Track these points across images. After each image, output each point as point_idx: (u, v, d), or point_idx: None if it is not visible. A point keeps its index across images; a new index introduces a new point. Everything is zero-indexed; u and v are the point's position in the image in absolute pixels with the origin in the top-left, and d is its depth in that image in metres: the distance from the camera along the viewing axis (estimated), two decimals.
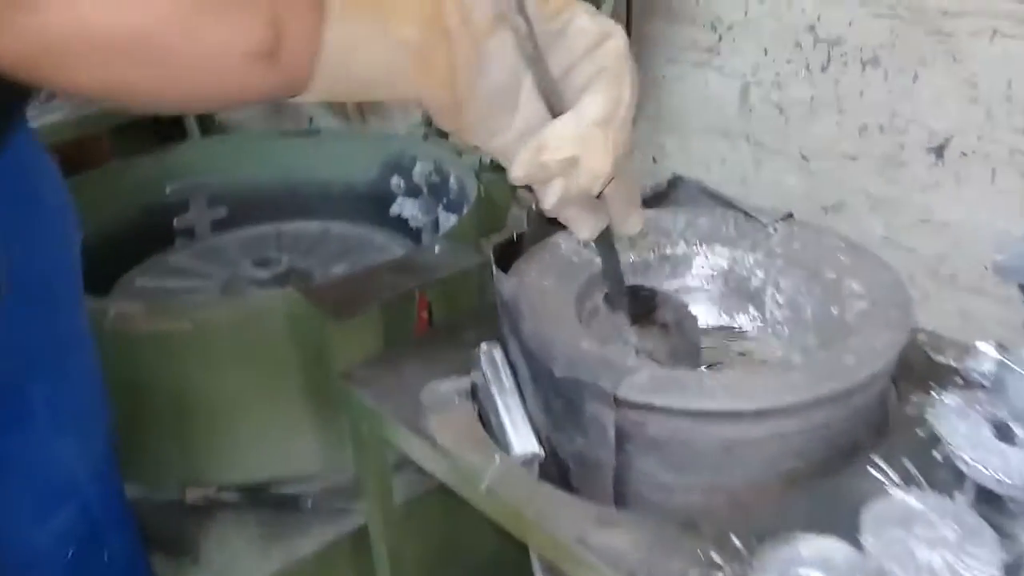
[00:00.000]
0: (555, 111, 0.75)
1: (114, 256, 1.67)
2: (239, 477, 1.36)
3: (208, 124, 2.30)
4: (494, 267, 1.00)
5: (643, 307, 1.02)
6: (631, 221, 0.86)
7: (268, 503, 1.35)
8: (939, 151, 1.24)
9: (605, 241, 0.91)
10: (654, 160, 1.63)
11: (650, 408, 0.84)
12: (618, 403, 0.84)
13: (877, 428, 0.95)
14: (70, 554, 1.07)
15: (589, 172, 0.74)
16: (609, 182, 0.77)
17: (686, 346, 1.01)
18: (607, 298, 1.03)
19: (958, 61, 1.18)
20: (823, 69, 1.32)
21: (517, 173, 0.75)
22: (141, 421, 1.35)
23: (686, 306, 1.03)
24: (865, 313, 0.94)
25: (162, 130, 2.36)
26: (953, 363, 1.01)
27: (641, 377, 0.86)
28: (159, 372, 1.30)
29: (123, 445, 1.35)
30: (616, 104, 0.74)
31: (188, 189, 1.78)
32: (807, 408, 0.83)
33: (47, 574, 1.07)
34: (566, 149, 0.74)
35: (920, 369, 1.01)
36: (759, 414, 0.83)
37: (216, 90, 0.64)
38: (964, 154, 1.21)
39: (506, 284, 0.96)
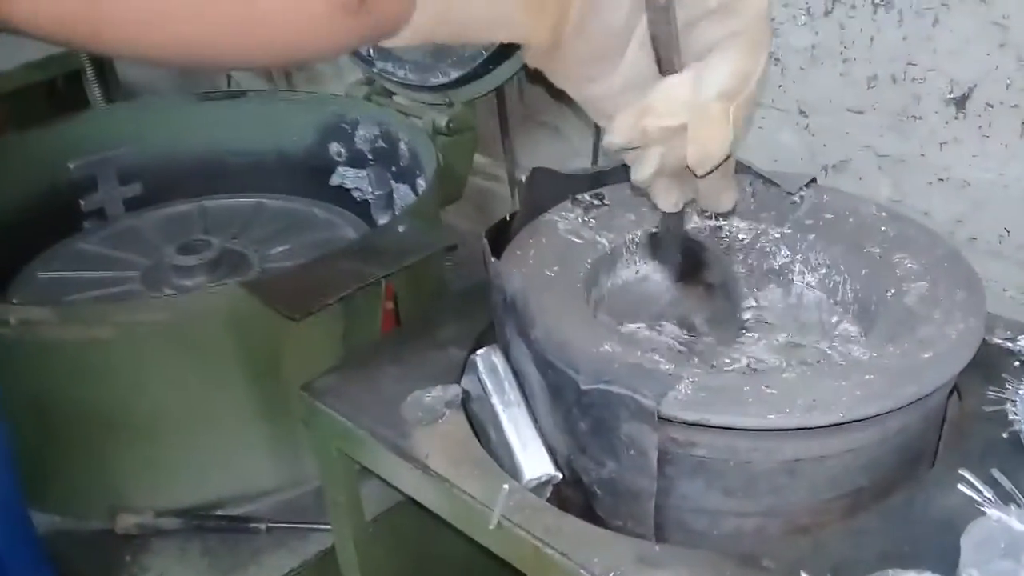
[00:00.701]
0: (666, 67, 0.64)
1: (11, 245, 1.44)
2: (179, 500, 1.18)
3: (113, 89, 2.05)
4: (490, 258, 0.83)
5: (688, 263, 0.90)
6: (724, 198, 0.76)
7: (215, 528, 1.17)
8: (960, 103, 1.12)
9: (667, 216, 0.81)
10: None
11: (702, 426, 0.70)
12: (662, 421, 0.70)
13: (939, 429, 0.83)
14: None
15: (701, 150, 0.64)
16: (721, 164, 0.66)
17: (727, 312, 0.89)
18: (654, 247, 0.92)
19: (985, 1, 1.05)
20: (827, 13, 1.18)
21: (616, 139, 0.66)
22: (56, 442, 1.15)
23: (734, 269, 0.92)
24: (928, 296, 0.81)
25: (60, 97, 2.09)
26: (1009, 344, 0.89)
27: (686, 388, 0.71)
28: (75, 386, 1.11)
29: (35, 469, 1.15)
30: (746, 77, 0.64)
31: (95, 164, 1.54)
32: (888, 416, 0.70)
33: None
34: (677, 116, 0.64)
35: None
36: (835, 427, 0.69)
37: (302, 42, 0.57)
38: (990, 105, 1.09)
39: (508, 279, 0.80)
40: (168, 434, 1.14)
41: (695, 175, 0.69)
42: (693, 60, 0.65)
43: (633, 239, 0.94)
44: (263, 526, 1.16)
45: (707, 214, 0.94)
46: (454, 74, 1.39)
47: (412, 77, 1.46)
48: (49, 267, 1.44)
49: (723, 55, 0.64)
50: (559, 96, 0.84)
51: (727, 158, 0.71)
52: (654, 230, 0.92)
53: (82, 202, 1.54)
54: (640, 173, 0.70)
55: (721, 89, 0.64)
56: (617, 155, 0.72)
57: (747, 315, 0.91)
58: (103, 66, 1.99)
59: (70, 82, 2.05)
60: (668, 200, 0.76)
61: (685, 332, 0.88)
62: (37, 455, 1.15)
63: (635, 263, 0.95)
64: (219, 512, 1.18)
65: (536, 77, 0.72)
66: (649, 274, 0.94)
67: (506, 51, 1.33)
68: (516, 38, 0.64)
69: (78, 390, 1.11)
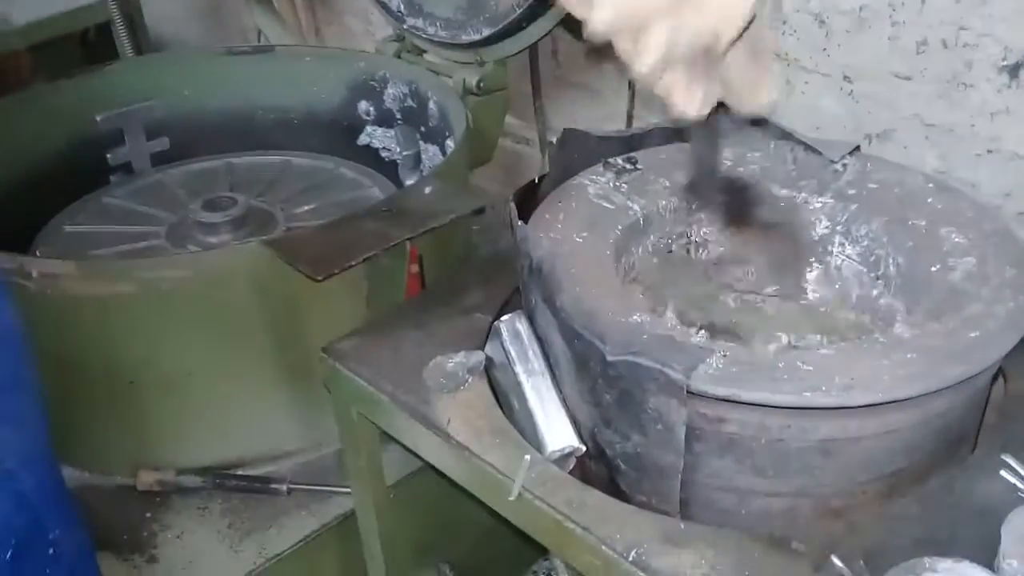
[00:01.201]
0: None
1: (38, 197, 1.43)
2: (200, 458, 1.17)
3: (142, 41, 2.03)
4: (516, 222, 0.81)
5: (737, 205, 0.81)
6: (760, 89, 0.62)
7: (236, 488, 1.16)
8: (1014, 70, 1.06)
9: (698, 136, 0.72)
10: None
11: (733, 402, 0.67)
12: (690, 395, 0.67)
13: (982, 412, 0.79)
14: (9, 554, 0.89)
15: (718, 10, 0.52)
16: (740, 37, 0.54)
17: (792, 253, 0.82)
18: (693, 189, 0.83)
19: None
20: None
21: (601, 15, 0.52)
22: (80, 398, 1.15)
23: (790, 205, 0.84)
24: (976, 273, 0.77)
25: (92, 48, 2.08)
26: None
27: (717, 362, 0.68)
28: (99, 341, 1.10)
29: (59, 425, 1.14)
30: None
31: (122, 117, 1.52)
32: (930, 397, 0.67)
33: None
34: None
35: None
36: (874, 407, 0.66)
37: None
38: None
39: (535, 244, 0.77)
40: (190, 392, 1.13)
41: (717, 55, 0.56)
42: None
43: (668, 206, 0.91)
44: (284, 487, 1.15)
45: None
46: (486, 31, 1.35)
47: (443, 34, 1.43)
48: (75, 221, 1.43)
49: None
50: (596, 54, 0.76)
51: (756, 37, 0.59)
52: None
53: (109, 155, 1.52)
54: (643, 62, 0.55)
55: None
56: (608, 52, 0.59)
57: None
58: (132, 18, 1.97)
59: (102, 33, 2.03)
60: (691, 100, 0.60)
61: (741, 286, 0.82)
62: (60, 410, 1.13)
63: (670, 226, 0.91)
64: (240, 472, 1.17)
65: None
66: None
67: (540, 9, 1.29)
68: None
69: (100, 345, 1.10)
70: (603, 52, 0.63)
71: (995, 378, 0.79)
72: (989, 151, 1.12)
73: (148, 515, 1.14)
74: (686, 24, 0.54)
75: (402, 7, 1.45)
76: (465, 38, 1.39)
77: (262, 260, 1.02)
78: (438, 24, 1.43)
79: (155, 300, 1.06)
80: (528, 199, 0.90)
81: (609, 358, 0.69)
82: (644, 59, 0.55)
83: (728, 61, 0.60)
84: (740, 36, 0.55)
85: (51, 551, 0.94)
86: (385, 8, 1.46)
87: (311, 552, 1.11)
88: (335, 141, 1.58)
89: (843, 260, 0.90)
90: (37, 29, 1.88)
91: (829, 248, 0.91)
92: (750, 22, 0.54)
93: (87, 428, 1.17)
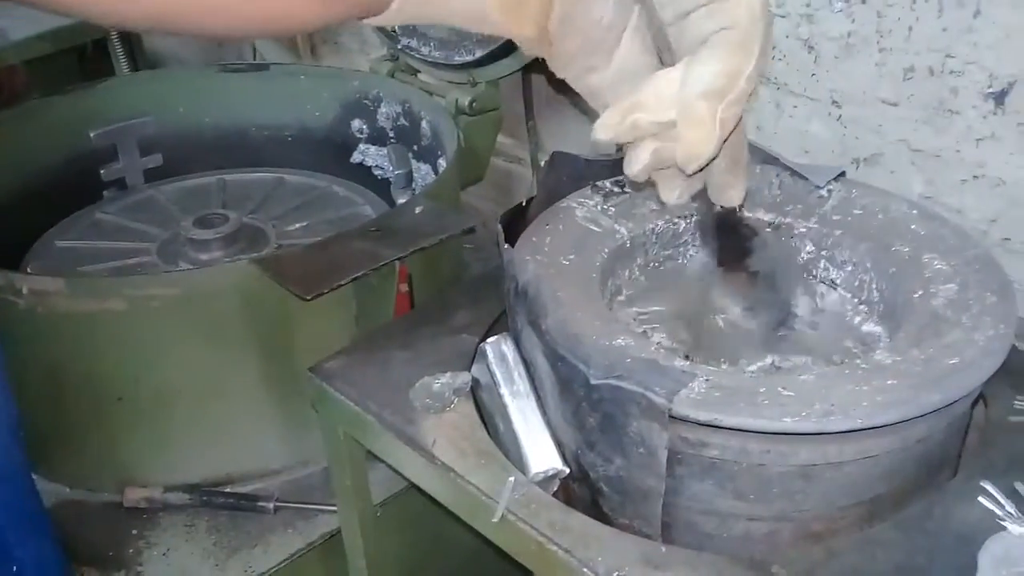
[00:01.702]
0: (663, 58, 0.64)
1: (30, 212, 1.43)
2: (188, 476, 1.17)
3: (139, 58, 2.04)
4: (504, 244, 0.81)
5: (735, 247, 0.88)
6: (731, 193, 0.74)
7: (223, 505, 1.16)
8: (999, 97, 1.07)
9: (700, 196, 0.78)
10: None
11: (714, 427, 0.67)
12: (672, 419, 0.67)
13: (963, 437, 0.80)
14: None
15: (687, 149, 0.63)
16: (709, 163, 0.65)
17: (773, 305, 0.86)
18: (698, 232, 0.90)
19: None
20: (864, 0, 1.14)
21: (602, 135, 0.66)
22: (68, 413, 1.15)
23: (790, 257, 0.89)
24: (957, 299, 0.77)
25: (90, 64, 2.09)
26: None
27: (700, 386, 0.69)
28: (88, 358, 1.10)
29: (46, 440, 1.15)
30: (735, 76, 0.61)
31: (116, 133, 1.53)
32: (909, 424, 0.67)
33: None
34: (664, 112, 0.63)
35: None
36: (852, 433, 0.66)
37: (282, 14, 0.56)
38: None
39: (521, 267, 0.77)
40: (178, 409, 1.13)
41: (685, 173, 0.68)
42: (686, 54, 0.63)
43: (653, 229, 0.92)
44: (271, 505, 1.15)
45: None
46: (479, 52, 1.37)
47: (437, 54, 1.44)
48: (67, 236, 1.44)
49: (712, 52, 0.62)
50: (559, 85, 0.82)
51: (736, 149, 0.69)
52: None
53: (102, 171, 1.53)
54: (632, 168, 0.68)
55: (707, 88, 0.61)
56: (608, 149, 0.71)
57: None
58: (129, 35, 1.98)
59: (99, 49, 2.04)
60: (670, 193, 0.73)
61: (721, 321, 0.85)
62: (47, 426, 1.14)
63: (656, 250, 0.92)
64: (227, 489, 1.17)
65: (538, 66, 0.72)
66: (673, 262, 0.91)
67: None
68: (500, 33, 0.63)
69: (89, 362, 1.10)
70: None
71: (975, 403, 0.79)
72: (975, 176, 1.13)
73: (134, 532, 1.14)
74: (666, 148, 0.65)
75: (396, 27, 1.46)
76: (458, 59, 1.41)
77: (251, 278, 1.03)
78: (432, 44, 1.44)
79: (144, 317, 1.06)
80: (516, 221, 0.91)
81: (592, 381, 0.70)
82: (633, 166, 0.68)
83: (712, 164, 0.69)
84: (714, 158, 0.66)
85: (14, 568, 0.94)
86: (380, 28, 1.48)
87: (296, 570, 1.11)
88: (328, 159, 1.59)
89: (827, 285, 0.91)
90: (33, 44, 1.89)
91: (814, 273, 0.91)
92: (713, 159, 0.65)
93: (74, 444, 1.17)
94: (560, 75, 0.68)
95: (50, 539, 1.01)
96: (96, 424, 1.14)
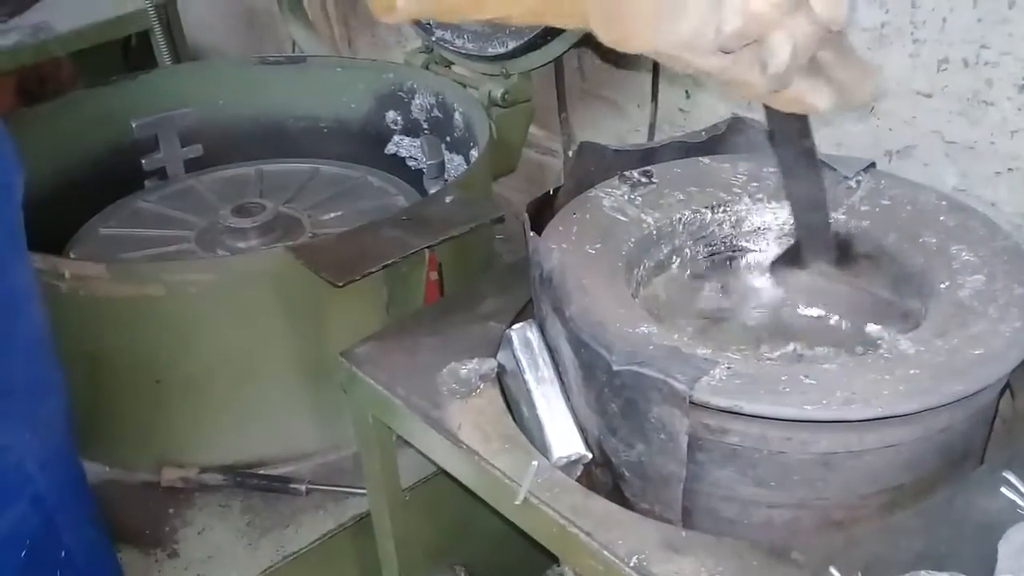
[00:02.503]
0: None
1: (75, 200, 1.47)
2: (223, 457, 1.20)
3: (181, 50, 2.08)
4: (529, 232, 0.82)
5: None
6: (867, 80, 0.72)
7: (256, 487, 1.19)
8: None
9: (804, 151, 0.77)
10: (687, 94, 1.44)
11: (735, 414, 0.68)
12: (693, 406, 0.68)
13: (989, 427, 0.80)
14: (23, 554, 0.92)
15: (824, 5, 0.61)
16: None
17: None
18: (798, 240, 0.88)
19: None
20: None
21: (732, 24, 0.61)
22: (107, 395, 1.18)
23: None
24: (984, 291, 0.77)
25: (135, 55, 2.13)
26: None
27: (721, 373, 0.69)
28: (127, 341, 1.13)
29: (86, 421, 1.18)
30: None
31: (157, 123, 1.57)
32: (931, 413, 0.68)
33: None
34: None
35: None
36: (873, 422, 0.67)
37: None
38: None
39: (547, 255, 0.79)
40: (214, 392, 1.16)
41: (832, 36, 0.64)
42: None
43: (680, 219, 0.92)
44: (303, 487, 1.18)
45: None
46: (512, 44, 1.38)
47: (470, 46, 1.45)
48: (109, 224, 1.47)
49: None
50: (620, 61, 0.80)
51: (847, 44, 0.69)
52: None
53: (144, 161, 1.57)
54: (776, 62, 0.63)
55: None
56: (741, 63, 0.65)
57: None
58: (171, 27, 2.02)
59: (143, 41, 2.08)
60: (821, 97, 0.69)
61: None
62: (87, 407, 1.17)
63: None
64: (261, 471, 1.20)
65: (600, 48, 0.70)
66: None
67: None
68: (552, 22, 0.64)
69: (128, 345, 1.13)
70: (630, 62, 0.69)
71: (1002, 394, 0.79)
72: (1009, 169, 1.11)
73: (171, 511, 1.17)
74: (803, 27, 0.62)
75: (431, 19, 1.47)
76: (491, 51, 1.42)
77: (286, 265, 1.05)
78: (465, 36, 1.45)
79: (182, 302, 1.09)
80: (543, 210, 0.92)
81: (615, 368, 0.71)
82: (778, 60, 0.63)
83: (836, 69, 0.68)
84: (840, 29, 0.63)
85: (63, 553, 0.96)
86: (415, 20, 1.49)
87: (327, 551, 1.13)
88: (363, 150, 1.61)
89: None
90: (78, 37, 1.93)
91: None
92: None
93: (113, 425, 1.20)
94: (637, 48, 0.66)
95: (95, 522, 1.03)
96: (134, 405, 1.18)
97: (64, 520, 0.96)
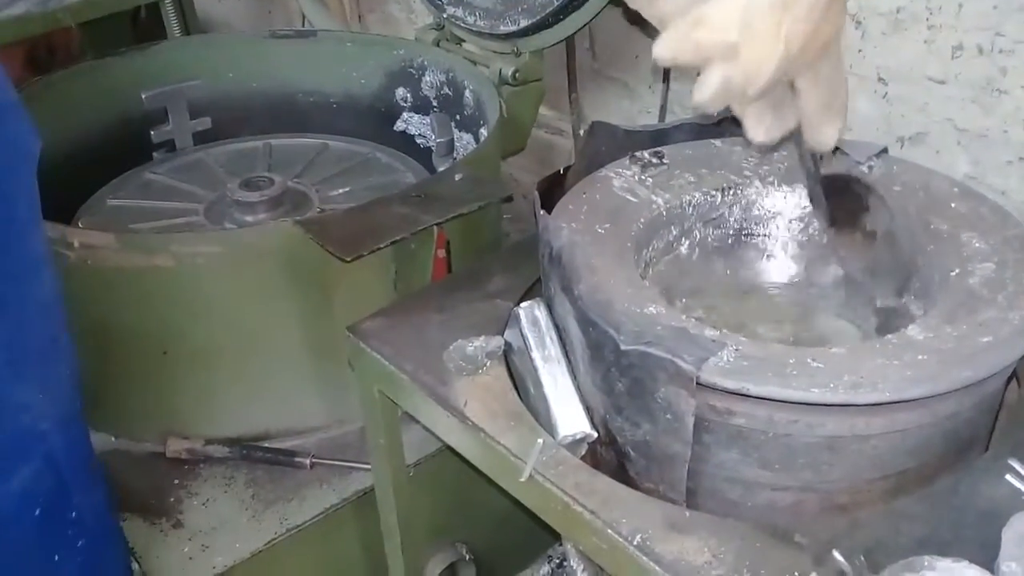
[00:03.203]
0: None
1: (84, 170, 1.47)
2: (228, 429, 1.21)
3: (190, 22, 2.07)
4: (539, 211, 0.82)
5: (849, 207, 0.84)
6: (823, 133, 0.69)
7: (261, 459, 1.19)
8: None
9: (799, 143, 0.74)
10: (697, 74, 1.44)
11: (741, 395, 0.68)
12: (700, 387, 0.68)
13: (995, 415, 0.80)
14: (38, 512, 0.93)
15: (746, 67, 0.58)
16: (771, 87, 0.60)
17: (891, 265, 0.83)
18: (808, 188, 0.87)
19: None
20: None
21: (660, 51, 0.59)
22: (114, 365, 1.18)
23: (908, 218, 0.84)
24: (994, 278, 0.77)
25: (143, 27, 2.13)
26: None
27: (728, 355, 0.69)
28: (135, 312, 1.13)
29: (93, 391, 1.18)
30: None
31: (167, 96, 1.57)
32: (937, 399, 0.68)
33: (14, 538, 0.93)
34: (728, 32, 0.57)
35: None
36: (880, 407, 0.67)
37: None
38: None
39: (556, 233, 0.79)
40: (221, 364, 1.16)
41: (755, 95, 0.62)
42: None
43: (691, 201, 0.92)
44: (307, 461, 1.18)
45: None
46: (523, 22, 1.37)
47: (482, 24, 1.44)
48: (118, 194, 1.47)
49: None
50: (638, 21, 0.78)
51: (832, 84, 0.65)
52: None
53: (153, 133, 1.57)
54: (701, 93, 0.61)
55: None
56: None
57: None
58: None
59: (152, 13, 2.08)
60: (757, 128, 0.67)
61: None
62: (95, 377, 1.17)
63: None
64: (266, 444, 1.21)
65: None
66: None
67: (577, 2, 1.30)
68: None
69: (136, 316, 1.13)
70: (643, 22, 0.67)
71: (1008, 382, 0.79)
72: (1021, 158, 1.11)
73: (176, 481, 1.18)
74: (733, 71, 0.59)
75: None
76: (503, 28, 1.41)
77: (294, 239, 1.05)
78: (477, 14, 1.44)
79: (191, 274, 1.09)
80: (553, 189, 0.92)
81: (623, 347, 0.71)
82: (700, 92, 0.62)
83: (801, 103, 0.66)
84: (769, 89, 0.60)
85: (74, 514, 0.97)
86: None
87: (330, 525, 1.14)
88: (372, 126, 1.61)
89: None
90: (88, 6, 1.92)
91: None
92: (774, 82, 0.60)
93: (120, 395, 1.21)
94: (632, 4, 0.64)
95: (103, 485, 1.04)
96: (141, 376, 1.18)
97: (74, 481, 0.98)
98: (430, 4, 1.53)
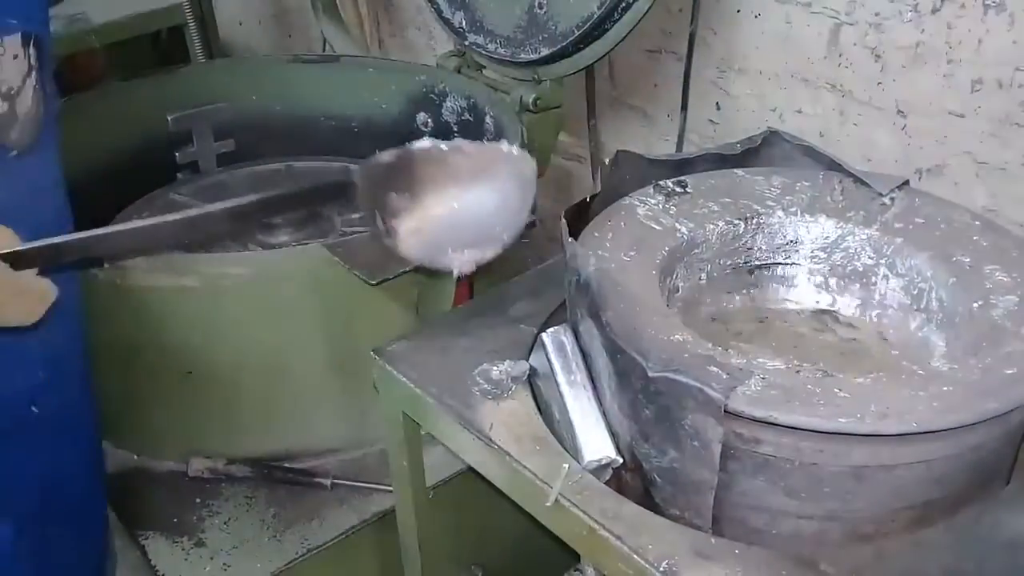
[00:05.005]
0: None
1: (109, 190, 1.49)
2: (250, 449, 1.22)
3: (213, 45, 2.10)
4: (567, 239, 0.84)
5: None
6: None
7: (282, 480, 1.20)
8: None
9: None
10: (717, 106, 1.45)
11: (769, 424, 0.69)
12: (727, 415, 0.69)
13: (1017, 447, 0.80)
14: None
15: None
16: None
17: None
18: None
19: None
20: (934, 11, 1.14)
21: None
22: (139, 384, 1.20)
23: None
24: (1017, 311, 0.78)
25: (164, 49, 2.16)
26: None
27: (756, 384, 0.70)
28: (160, 331, 1.15)
29: (117, 410, 1.20)
30: None
31: (192, 118, 1.59)
32: (963, 431, 0.68)
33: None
34: None
35: None
36: (907, 437, 0.67)
37: None
38: None
39: (584, 261, 0.80)
40: (244, 385, 1.17)
41: None
42: None
43: (714, 230, 0.93)
44: (328, 482, 1.19)
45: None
46: (544, 51, 1.39)
47: (502, 52, 1.46)
48: (142, 215, 1.49)
49: None
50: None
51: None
52: None
53: (177, 154, 1.59)
54: None
55: None
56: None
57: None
58: (205, 23, 2.04)
59: (173, 36, 2.11)
60: None
61: None
62: (119, 394, 1.19)
63: None
64: (287, 464, 1.22)
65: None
66: None
67: (597, 32, 1.32)
68: None
69: (162, 335, 1.15)
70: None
71: None
72: None
73: (197, 500, 1.19)
74: None
75: (464, 24, 1.49)
76: (524, 56, 1.43)
77: (320, 262, 1.06)
78: (498, 42, 1.46)
79: (216, 295, 1.11)
80: (579, 217, 0.93)
81: (650, 374, 0.72)
82: None
83: None
84: None
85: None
86: (448, 24, 1.51)
87: (350, 546, 1.15)
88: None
89: (886, 292, 0.91)
90: (113, 29, 1.96)
91: (874, 280, 0.92)
92: None
93: (143, 414, 1.22)
94: None
95: (102, 500, 1.05)
96: (165, 395, 1.19)
97: (73, 489, 1.01)
98: (452, 31, 1.55)
